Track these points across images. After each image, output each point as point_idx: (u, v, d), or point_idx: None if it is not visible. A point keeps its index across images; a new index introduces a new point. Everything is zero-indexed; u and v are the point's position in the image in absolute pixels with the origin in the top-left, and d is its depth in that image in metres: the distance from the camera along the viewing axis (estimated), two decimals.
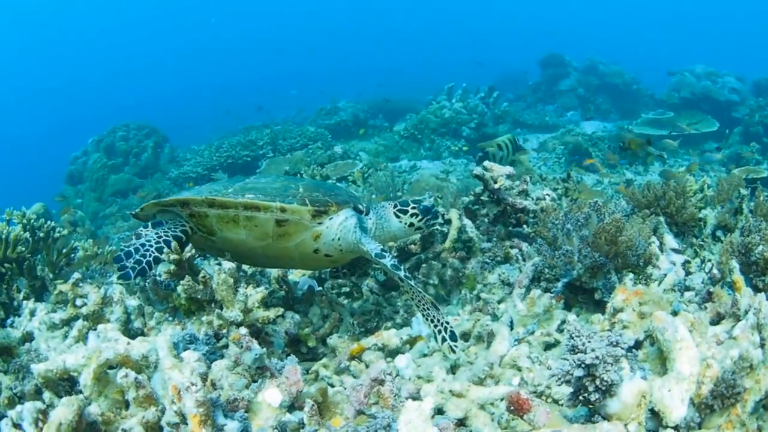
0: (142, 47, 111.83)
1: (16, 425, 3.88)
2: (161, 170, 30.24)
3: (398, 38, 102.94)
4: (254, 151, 27.13)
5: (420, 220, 6.99)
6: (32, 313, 6.71)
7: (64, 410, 3.56)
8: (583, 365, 3.25)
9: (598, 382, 3.24)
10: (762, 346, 3.45)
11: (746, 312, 3.87)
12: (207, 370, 4.20)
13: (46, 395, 4.49)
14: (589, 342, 3.31)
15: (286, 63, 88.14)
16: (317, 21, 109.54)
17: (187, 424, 3.24)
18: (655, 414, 3.34)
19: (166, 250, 6.05)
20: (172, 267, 6.05)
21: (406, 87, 45.13)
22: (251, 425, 3.54)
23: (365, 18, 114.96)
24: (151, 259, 5.96)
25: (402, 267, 6.10)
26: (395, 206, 7.04)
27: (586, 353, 3.26)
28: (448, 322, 5.76)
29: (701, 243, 7.97)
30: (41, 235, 9.07)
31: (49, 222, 9.29)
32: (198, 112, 64.61)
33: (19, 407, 3.93)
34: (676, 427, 3.28)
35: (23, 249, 8.65)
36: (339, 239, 6.56)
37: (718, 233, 8.14)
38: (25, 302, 7.14)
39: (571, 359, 3.32)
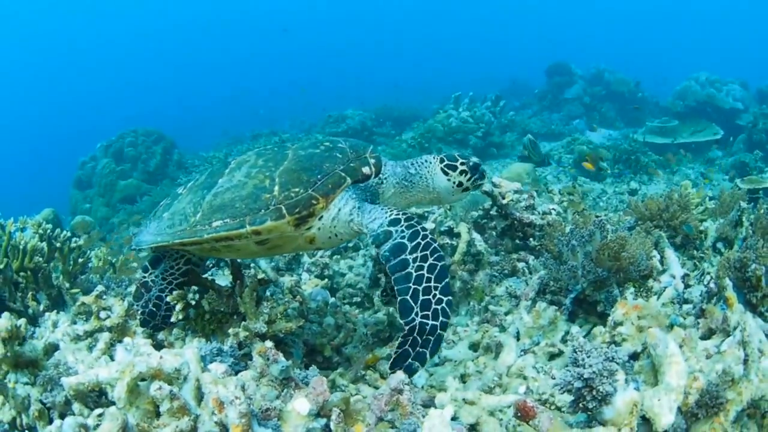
0: (150, 53, 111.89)
1: None
2: (170, 176, 30.29)
3: (406, 47, 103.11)
4: None
5: (469, 180, 6.07)
6: (55, 325, 6.80)
7: (109, 425, 3.71)
8: (581, 378, 3.58)
9: (594, 392, 3.57)
10: (745, 361, 3.75)
11: (735, 328, 4.16)
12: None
13: (76, 406, 4.66)
14: (588, 357, 3.63)
15: (291, 69, 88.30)
16: (324, 29, 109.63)
17: None
18: (646, 420, 3.64)
19: (174, 294, 6.04)
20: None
21: (414, 95, 45.35)
22: None
23: (373, 27, 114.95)
24: (172, 314, 6.04)
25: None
26: (442, 160, 6.04)
27: (584, 368, 3.57)
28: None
29: (702, 255, 8.18)
30: (57, 245, 9.16)
31: (65, 232, 9.42)
32: (205, 118, 64.80)
33: (58, 422, 4.16)
34: None
35: (40, 259, 8.66)
36: (336, 235, 5.74)
37: (719, 245, 8.36)
38: (47, 314, 7.19)
39: (573, 371, 3.64)
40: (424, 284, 4.99)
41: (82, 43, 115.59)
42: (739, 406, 3.60)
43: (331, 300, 8.01)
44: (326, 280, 9.13)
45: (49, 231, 9.06)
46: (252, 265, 8.61)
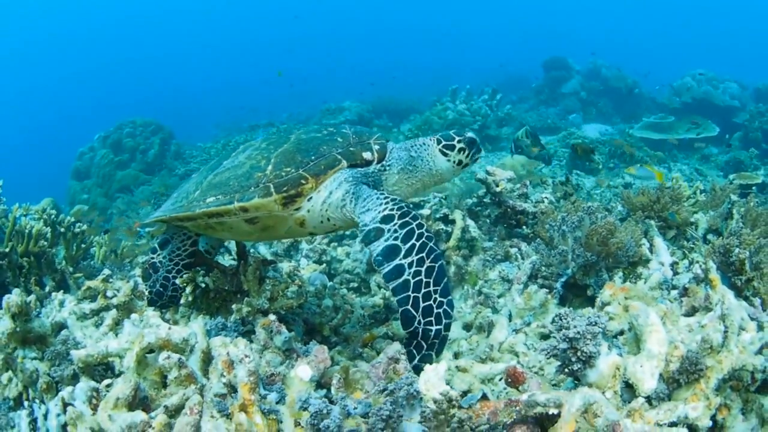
0: (147, 42, 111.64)
1: (67, 404, 4.16)
2: (168, 167, 30.36)
3: (402, 39, 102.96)
4: None
5: (467, 156, 5.89)
6: (61, 304, 6.97)
7: (122, 386, 3.87)
8: (566, 339, 3.77)
9: (579, 353, 3.76)
10: (725, 332, 3.95)
11: (717, 303, 4.36)
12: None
13: (83, 379, 4.76)
14: (572, 320, 3.83)
15: (290, 61, 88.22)
16: (321, 20, 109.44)
17: (233, 396, 3.68)
18: (629, 387, 3.83)
19: (184, 276, 6.19)
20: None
21: (411, 88, 45.37)
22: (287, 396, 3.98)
23: (370, 19, 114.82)
24: (178, 294, 6.27)
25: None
26: (439, 141, 5.83)
27: (569, 329, 3.77)
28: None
29: (692, 246, 8.36)
30: (61, 230, 9.40)
31: (69, 217, 9.60)
32: (202, 108, 64.76)
33: (69, 388, 4.26)
34: (648, 398, 3.77)
35: (45, 243, 8.85)
36: (329, 219, 5.54)
37: (710, 236, 8.53)
38: (53, 294, 7.40)
39: (558, 335, 3.84)
40: (423, 290, 4.80)
41: (79, 33, 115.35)
42: (720, 375, 3.76)
43: (329, 283, 8.20)
44: (324, 265, 9.31)
45: (53, 216, 9.29)
46: (252, 251, 8.77)
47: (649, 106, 33.54)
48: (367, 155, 5.61)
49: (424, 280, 4.80)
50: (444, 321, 4.79)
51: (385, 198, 5.26)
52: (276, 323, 4.91)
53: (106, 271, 6.89)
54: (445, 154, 5.82)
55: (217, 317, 5.87)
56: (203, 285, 6.18)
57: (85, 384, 4.22)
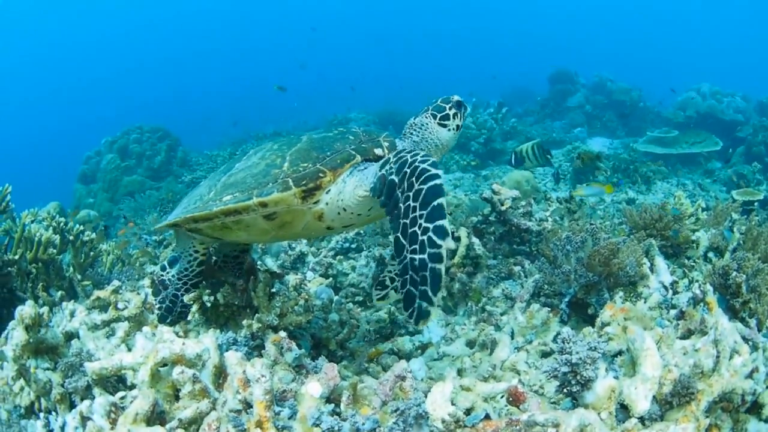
0: (156, 49, 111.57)
1: (85, 418, 4.29)
2: (174, 174, 30.45)
3: (409, 51, 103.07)
4: None
5: (460, 119, 6.09)
6: (72, 314, 7.05)
7: (141, 402, 3.99)
8: (568, 363, 3.94)
9: (578, 377, 3.94)
10: (717, 357, 4.10)
11: (711, 328, 4.50)
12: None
13: (97, 391, 4.94)
14: (574, 346, 4.00)
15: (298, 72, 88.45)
16: (327, 31, 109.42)
17: (248, 411, 3.81)
18: (624, 408, 4.00)
19: (191, 295, 6.28)
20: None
21: (417, 100, 45.44)
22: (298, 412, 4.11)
23: (377, 31, 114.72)
24: (187, 310, 6.46)
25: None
26: (434, 116, 6.01)
27: (571, 355, 3.94)
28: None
29: (692, 264, 8.45)
30: (70, 238, 9.46)
31: (78, 226, 9.66)
32: (209, 116, 64.86)
33: (87, 402, 4.38)
34: (641, 418, 3.95)
35: (53, 251, 8.91)
36: (345, 209, 5.51)
37: (711, 255, 8.62)
38: (64, 303, 7.46)
39: (560, 359, 4.01)
40: (410, 215, 4.63)
41: (89, 37, 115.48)
42: (710, 397, 3.92)
43: (335, 298, 8.32)
44: (330, 279, 9.42)
45: (62, 224, 9.34)
46: (259, 263, 8.87)
47: (653, 120, 33.43)
48: (378, 151, 5.65)
49: (412, 204, 4.65)
50: (428, 250, 4.44)
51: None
52: (287, 340, 5.06)
53: (116, 282, 6.94)
54: (444, 126, 5.99)
55: (228, 331, 5.98)
56: (209, 304, 6.32)
57: (103, 399, 4.28)
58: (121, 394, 4.69)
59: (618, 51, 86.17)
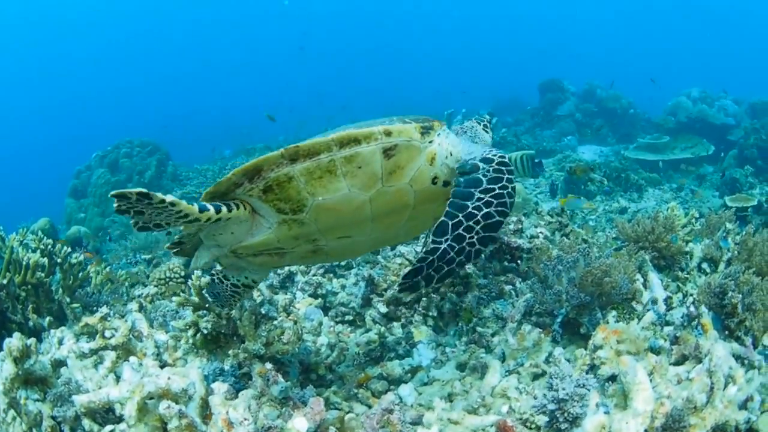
0: (148, 63, 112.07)
1: None
2: (164, 188, 29.80)
3: (400, 62, 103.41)
4: None
5: (491, 129, 6.61)
6: (60, 342, 7.04)
7: None
8: (555, 400, 3.88)
9: (566, 414, 3.87)
10: (711, 387, 4.03)
11: (706, 356, 4.43)
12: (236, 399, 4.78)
13: (86, 422, 4.92)
14: (561, 382, 3.93)
15: (283, 86, 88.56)
16: (314, 44, 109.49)
17: None
18: None
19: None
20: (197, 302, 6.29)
21: (408, 110, 45.50)
22: None
23: (367, 43, 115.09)
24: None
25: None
26: (479, 122, 6.50)
27: (558, 391, 3.87)
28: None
29: (686, 276, 8.39)
30: (58, 260, 9.40)
31: (65, 248, 9.65)
32: (200, 131, 64.97)
33: None
34: None
35: (41, 274, 8.88)
36: (451, 154, 5.47)
37: (704, 265, 8.55)
38: (52, 330, 7.43)
39: (547, 395, 3.94)
40: (470, 222, 4.91)
41: (81, 50, 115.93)
42: (703, 430, 3.86)
43: (324, 320, 8.27)
44: (319, 299, 9.35)
45: (50, 246, 9.29)
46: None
47: (644, 126, 33.47)
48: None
49: (478, 216, 4.91)
50: (459, 257, 4.89)
51: (490, 149, 5.54)
52: (273, 373, 5.00)
53: (104, 309, 6.88)
54: (486, 131, 6.46)
55: (214, 359, 5.93)
56: (206, 331, 6.21)
57: None
58: (109, 428, 4.67)
59: (608, 59, 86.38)
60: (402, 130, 5.15)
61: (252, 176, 5.07)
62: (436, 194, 5.47)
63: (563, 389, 3.95)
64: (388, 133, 5.08)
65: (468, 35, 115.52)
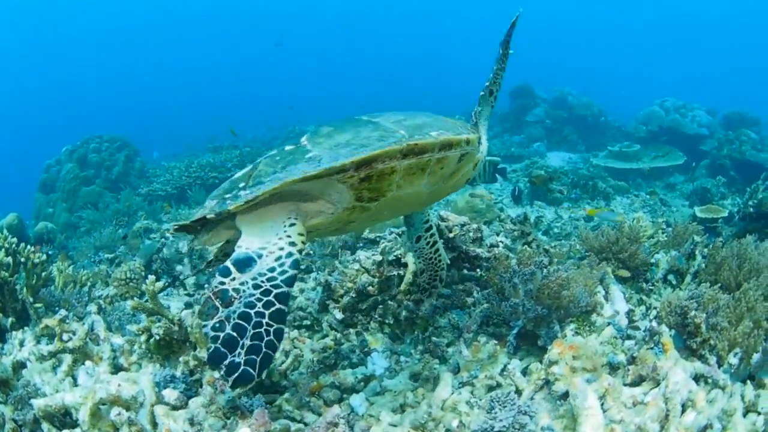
0: (120, 58, 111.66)
1: None
2: (131, 185, 29.98)
3: (368, 66, 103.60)
4: (223, 173, 26.85)
5: None
6: (21, 343, 7.01)
7: None
8: (493, 430, 3.81)
9: None
10: (667, 415, 3.97)
11: (664, 378, 4.37)
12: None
13: (44, 425, 5.05)
14: (501, 410, 3.87)
15: (257, 86, 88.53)
16: (294, 50, 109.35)
17: None
18: None
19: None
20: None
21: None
22: None
23: (340, 48, 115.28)
24: (273, 341, 4.13)
25: None
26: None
27: (495, 421, 3.81)
28: None
29: (651, 288, 8.35)
30: (22, 259, 9.29)
31: (29, 247, 9.55)
32: (171, 126, 64.72)
33: None
34: None
35: (6, 274, 8.83)
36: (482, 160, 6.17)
37: (670, 277, 8.52)
38: (14, 333, 7.39)
39: (488, 423, 3.88)
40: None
41: (54, 42, 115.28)
42: None
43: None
44: None
45: (14, 246, 9.22)
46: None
47: (615, 134, 33.57)
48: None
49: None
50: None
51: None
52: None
53: (63, 312, 6.87)
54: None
55: (167, 367, 5.89)
56: (158, 337, 6.15)
57: None
58: None
59: (581, 68, 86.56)
60: (472, 140, 5.53)
61: (361, 165, 4.78)
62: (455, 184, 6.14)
63: (500, 420, 3.87)
64: (468, 142, 5.44)
65: (439, 38, 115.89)
